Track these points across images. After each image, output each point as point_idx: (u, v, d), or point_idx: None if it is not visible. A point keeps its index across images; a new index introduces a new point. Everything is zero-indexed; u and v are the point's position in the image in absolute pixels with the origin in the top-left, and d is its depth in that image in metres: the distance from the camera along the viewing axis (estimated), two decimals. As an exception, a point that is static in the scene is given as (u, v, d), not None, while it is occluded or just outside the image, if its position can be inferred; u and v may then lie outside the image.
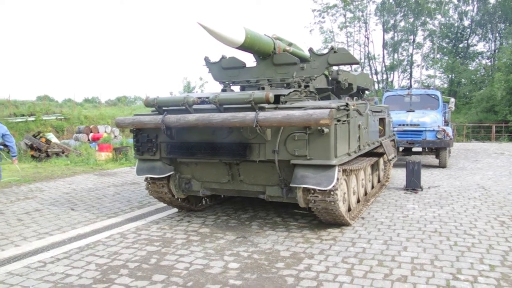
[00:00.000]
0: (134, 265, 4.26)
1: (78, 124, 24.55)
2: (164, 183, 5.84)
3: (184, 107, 5.18)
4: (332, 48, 6.10)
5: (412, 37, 40.57)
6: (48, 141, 16.89)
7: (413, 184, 8.05)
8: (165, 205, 6.62)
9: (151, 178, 5.88)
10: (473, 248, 4.59)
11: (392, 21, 40.96)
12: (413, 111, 11.78)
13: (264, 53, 6.23)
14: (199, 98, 5.19)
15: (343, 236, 5.11)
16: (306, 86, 6.13)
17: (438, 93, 12.30)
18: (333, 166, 4.71)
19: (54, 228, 5.70)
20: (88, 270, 4.15)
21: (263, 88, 6.19)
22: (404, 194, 7.74)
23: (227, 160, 5.33)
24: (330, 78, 6.87)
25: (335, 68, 6.78)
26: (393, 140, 9.47)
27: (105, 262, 4.37)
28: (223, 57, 6.72)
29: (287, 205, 6.24)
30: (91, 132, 22.39)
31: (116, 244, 4.94)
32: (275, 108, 4.97)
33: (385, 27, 41.17)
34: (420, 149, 11.64)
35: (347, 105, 5.18)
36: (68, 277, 3.97)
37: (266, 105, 4.87)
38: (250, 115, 4.64)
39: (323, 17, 42.68)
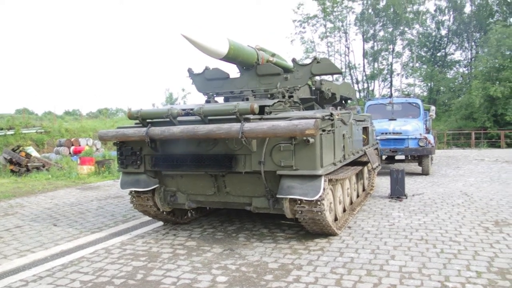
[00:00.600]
0: (120, 281, 4.17)
1: (59, 137, 24.15)
2: (149, 196, 5.76)
3: (168, 119, 5.13)
4: (315, 58, 6.16)
5: (391, 46, 41.29)
6: (28, 155, 16.50)
7: (397, 192, 8.11)
8: (150, 218, 6.51)
9: (135, 191, 5.79)
10: (460, 255, 4.63)
11: (371, 31, 41.65)
12: (395, 119, 11.94)
13: (248, 64, 6.24)
14: (183, 110, 5.15)
15: (330, 246, 5.10)
16: (290, 97, 6.16)
17: (419, 102, 12.51)
18: (319, 176, 4.71)
19: (36, 245, 5.54)
20: (72, 288, 4.04)
21: (247, 99, 6.19)
22: (389, 202, 7.80)
23: (213, 172, 5.29)
24: (313, 88, 6.91)
25: (318, 78, 6.82)
26: (376, 149, 9.57)
27: (90, 279, 4.26)
28: (206, 68, 6.71)
29: (273, 216, 6.21)
30: (72, 145, 22.03)
31: (101, 260, 4.83)
32: (260, 119, 4.96)
33: (364, 37, 41.83)
34: (403, 157, 11.78)
35: (331, 114, 5.21)
36: (51, 296, 3.86)
37: (251, 116, 4.86)
38: (235, 126, 4.62)
39: (303, 27, 43.16)
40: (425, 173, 11.38)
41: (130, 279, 4.20)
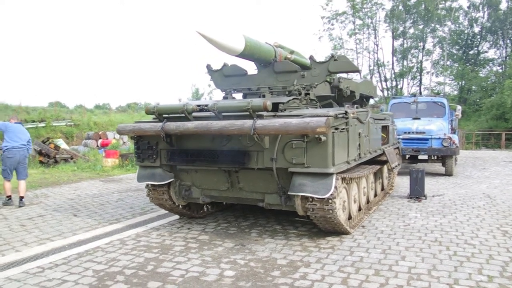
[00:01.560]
0: (130, 271, 4.28)
1: (88, 130, 24.78)
2: (165, 190, 5.88)
3: (183, 115, 5.22)
4: (332, 56, 6.12)
5: (421, 43, 40.39)
6: (57, 147, 17.05)
7: (416, 193, 7.98)
8: (166, 212, 6.64)
9: (151, 185, 5.92)
10: (473, 258, 4.54)
11: (401, 28, 40.83)
12: (419, 118, 11.70)
13: (265, 61, 6.26)
14: (198, 106, 5.23)
15: (341, 244, 5.09)
16: (306, 94, 6.14)
17: (445, 101, 12.21)
18: (331, 174, 4.70)
19: (55, 233, 5.75)
20: (85, 276, 4.18)
21: (263, 96, 6.21)
22: (407, 202, 7.68)
23: (226, 168, 5.35)
24: (331, 86, 6.86)
25: (336, 76, 6.77)
26: (397, 148, 9.42)
27: (103, 268, 4.40)
28: (224, 65, 6.76)
29: (288, 212, 6.22)
30: (100, 138, 22.59)
31: (115, 251, 4.98)
32: (274, 116, 4.99)
33: (394, 34, 41.04)
34: (426, 157, 11.55)
35: (346, 113, 5.18)
36: (65, 283, 4.00)
37: (264, 113, 4.90)
38: (248, 123, 4.66)
39: (332, 24, 42.74)
40: (448, 174, 11.12)
41: (140, 270, 4.32)
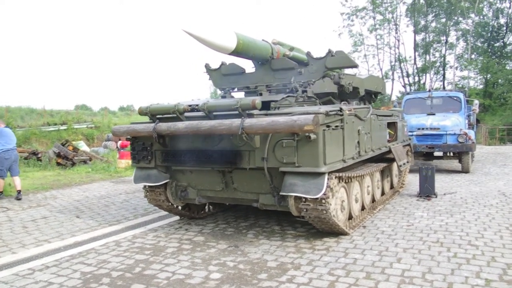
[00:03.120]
0: (117, 274, 4.25)
1: (108, 132, 25.16)
2: (161, 191, 5.84)
3: (175, 115, 5.17)
4: (329, 51, 5.94)
5: (444, 37, 39.32)
6: (75, 149, 17.33)
7: (426, 191, 7.71)
8: (167, 213, 6.60)
9: (148, 186, 5.89)
10: (473, 261, 4.31)
11: (423, 22, 39.85)
12: (434, 114, 11.33)
13: (262, 58, 6.15)
14: (190, 105, 5.16)
15: (337, 246, 4.93)
16: (304, 91, 5.99)
17: (461, 95, 11.78)
18: (322, 173, 4.55)
19: (54, 235, 5.79)
20: (71, 278, 4.17)
21: (260, 94, 6.11)
22: (416, 201, 7.42)
23: (219, 168, 5.27)
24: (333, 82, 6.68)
25: (336, 71, 6.59)
26: (408, 145, 9.14)
27: (91, 270, 4.38)
28: (222, 64, 6.69)
29: (288, 213, 6.09)
30: (119, 139, 22.89)
31: (107, 252, 4.96)
32: (265, 115, 4.87)
33: (416, 28, 40.09)
34: (441, 153, 11.17)
35: (340, 110, 5.01)
36: (50, 286, 4.00)
37: (255, 112, 4.79)
38: (236, 122, 4.56)
39: (352, 20, 42.15)
40: (465, 170, 10.73)
41: (127, 272, 4.28)
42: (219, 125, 4.67)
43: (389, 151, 7.29)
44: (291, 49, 6.78)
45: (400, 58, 41.32)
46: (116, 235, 5.73)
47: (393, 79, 41.69)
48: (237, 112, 4.71)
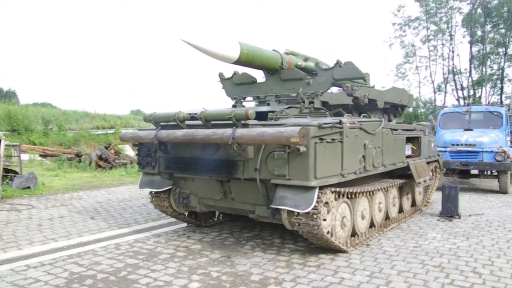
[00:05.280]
0: (102, 276, 4.34)
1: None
2: (165, 197, 5.93)
3: (175, 123, 5.24)
4: (338, 62, 5.79)
5: (503, 49, 37.19)
6: (117, 153, 18.02)
7: (449, 211, 7.26)
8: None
9: (154, 191, 5.99)
10: (469, 289, 4.00)
11: (479, 33, 37.95)
12: (471, 129, 10.70)
13: (270, 68, 6.11)
14: (189, 114, 5.21)
15: (330, 263, 4.75)
16: (310, 102, 5.87)
17: (502, 110, 11.05)
18: (313, 187, 4.42)
19: (63, 234, 6.02)
20: (58, 277, 4.31)
21: (268, 104, 6.07)
22: (436, 221, 7.02)
23: (215, 177, 5.27)
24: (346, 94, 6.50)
25: (349, 83, 6.40)
26: (437, 161, 8.69)
27: (80, 271, 4.50)
28: (235, 73, 6.71)
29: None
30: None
31: (103, 255, 5.08)
32: (262, 126, 4.82)
33: (472, 39, 38.25)
34: (476, 171, 10.52)
35: (340, 122, 4.84)
36: (36, 283, 4.15)
37: (249, 122, 4.76)
38: (228, 131, 4.55)
39: (404, 31, 40.95)
40: (502, 191, 10.01)
41: (112, 275, 4.36)
42: (213, 134, 4.68)
43: (405, 167, 6.95)
44: (306, 59, 6.69)
45: (455, 70, 39.58)
46: (120, 238, 5.86)
47: (445, 92, 39.99)
48: (231, 122, 4.70)
